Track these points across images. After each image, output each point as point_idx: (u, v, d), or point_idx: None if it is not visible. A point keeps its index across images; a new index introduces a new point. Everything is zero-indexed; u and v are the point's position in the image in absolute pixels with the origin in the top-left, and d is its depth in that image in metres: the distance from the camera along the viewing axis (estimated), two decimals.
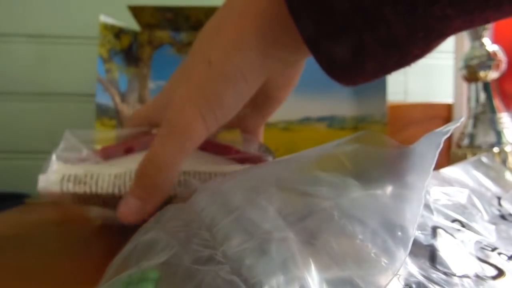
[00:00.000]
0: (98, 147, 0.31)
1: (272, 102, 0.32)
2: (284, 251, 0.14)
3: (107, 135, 0.35)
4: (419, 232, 0.17)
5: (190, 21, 0.52)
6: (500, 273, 0.16)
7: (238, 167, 0.31)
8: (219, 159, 0.31)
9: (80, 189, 0.27)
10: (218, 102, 0.23)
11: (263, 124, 0.35)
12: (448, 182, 0.22)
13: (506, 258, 0.17)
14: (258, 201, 0.18)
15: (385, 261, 0.15)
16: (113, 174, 0.28)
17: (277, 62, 0.24)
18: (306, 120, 0.54)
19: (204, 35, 0.26)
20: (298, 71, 0.31)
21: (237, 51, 0.23)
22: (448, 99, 0.59)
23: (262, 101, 0.31)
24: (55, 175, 0.28)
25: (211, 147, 0.31)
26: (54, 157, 0.28)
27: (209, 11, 0.50)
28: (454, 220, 0.19)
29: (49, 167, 0.28)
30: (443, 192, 0.20)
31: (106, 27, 0.50)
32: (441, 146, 0.16)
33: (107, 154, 0.30)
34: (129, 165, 0.28)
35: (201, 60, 0.24)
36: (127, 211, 0.24)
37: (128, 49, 0.53)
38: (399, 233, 0.16)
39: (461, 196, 0.21)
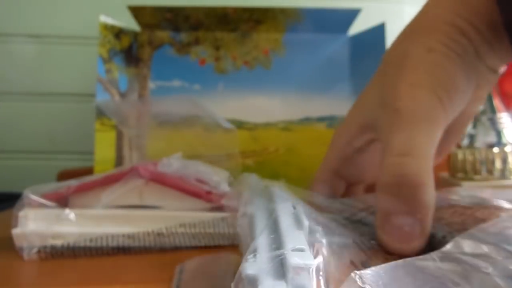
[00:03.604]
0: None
1: (466, 119, 0.27)
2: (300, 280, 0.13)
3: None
4: None
5: (190, 21, 0.52)
6: None
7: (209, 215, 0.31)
8: (193, 201, 0.32)
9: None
10: (452, 84, 0.21)
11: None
12: None
13: None
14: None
15: None
16: (88, 239, 0.29)
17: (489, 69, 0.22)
18: (306, 120, 0.54)
19: (407, 28, 0.24)
20: (489, 85, 0.26)
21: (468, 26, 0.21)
22: None
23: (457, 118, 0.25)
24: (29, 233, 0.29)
25: (184, 187, 0.32)
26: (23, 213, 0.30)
27: (209, 11, 0.50)
28: None
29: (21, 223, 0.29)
30: None
31: (106, 27, 0.50)
32: None
33: (81, 189, 0.32)
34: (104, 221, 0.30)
35: (418, 48, 0.22)
36: (398, 237, 0.19)
37: (128, 49, 0.53)
38: None
39: None
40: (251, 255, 0.15)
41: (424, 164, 0.19)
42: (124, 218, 0.30)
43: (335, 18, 0.53)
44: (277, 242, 0.16)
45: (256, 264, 0.14)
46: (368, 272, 0.13)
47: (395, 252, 0.19)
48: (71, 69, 0.65)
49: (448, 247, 0.15)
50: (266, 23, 0.53)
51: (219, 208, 0.31)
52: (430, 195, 0.19)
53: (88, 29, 0.63)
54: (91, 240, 0.29)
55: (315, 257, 0.15)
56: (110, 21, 0.51)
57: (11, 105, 0.64)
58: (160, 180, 0.32)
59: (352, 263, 0.18)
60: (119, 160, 0.50)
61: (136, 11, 0.51)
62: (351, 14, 0.52)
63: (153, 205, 0.32)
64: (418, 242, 0.19)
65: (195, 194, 0.32)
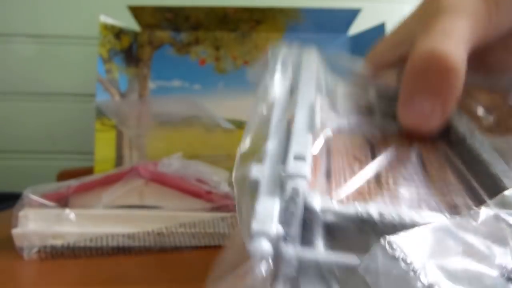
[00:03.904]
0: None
1: None
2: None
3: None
4: None
5: (190, 21, 0.52)
6: None
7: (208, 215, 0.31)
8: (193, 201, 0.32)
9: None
10: None
11: None
12: None
13: None
14: None
15: None
16: (88, 239, 0.29)
17: None
18: None
19: None
20: None
21: None
22: None
23: None
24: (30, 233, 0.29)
25: (184, 187, 0.32)
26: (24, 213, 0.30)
27: (209, 11, 0.50)
28: None
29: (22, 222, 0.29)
30: None
31: (106, 27, 0.50)
32: None
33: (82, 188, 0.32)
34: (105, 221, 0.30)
35: None
36: (417, 115, 0.18)
37: (128, 49, 0.53)
38: None
39: None
40: (259, 160, 0.15)
41: (459, 47, 0.18)
42: (124, 218, 0.30)
43: (335, 18, 0.53)
44: (285, 146, 0.16)
45: (260, 170, 0.15)
46: (397, 238, 0.12)
47: (412, 130, 0.18)
48: (71, 69, 0.65)
49: (493, 203, 0.13)
50: (266, 23, 0.53)
51: (219, 208, 0.32)
52: (460, 79, 0.17)
53: (88, 29, 0.63)
54: (91, 240, 0.29)
55: (315, 164, 0.15)
56: (110, 21, 0.51)
57: (11, 105, 0.64)
58: (160, 180, 0.32)
59: (355, 157, 0.18)
60: (119, 160, 0.50)
61: (136, 11, 0.51)
62: (351, 14, 0.52)
63: (153, 205, 0.32)
64: (436, 123, 0.18)
65: (195, 194, 0.32)
